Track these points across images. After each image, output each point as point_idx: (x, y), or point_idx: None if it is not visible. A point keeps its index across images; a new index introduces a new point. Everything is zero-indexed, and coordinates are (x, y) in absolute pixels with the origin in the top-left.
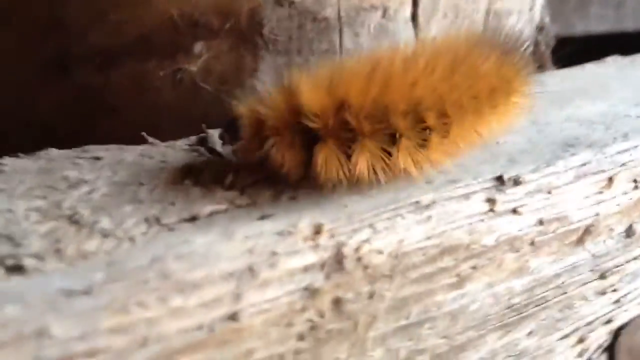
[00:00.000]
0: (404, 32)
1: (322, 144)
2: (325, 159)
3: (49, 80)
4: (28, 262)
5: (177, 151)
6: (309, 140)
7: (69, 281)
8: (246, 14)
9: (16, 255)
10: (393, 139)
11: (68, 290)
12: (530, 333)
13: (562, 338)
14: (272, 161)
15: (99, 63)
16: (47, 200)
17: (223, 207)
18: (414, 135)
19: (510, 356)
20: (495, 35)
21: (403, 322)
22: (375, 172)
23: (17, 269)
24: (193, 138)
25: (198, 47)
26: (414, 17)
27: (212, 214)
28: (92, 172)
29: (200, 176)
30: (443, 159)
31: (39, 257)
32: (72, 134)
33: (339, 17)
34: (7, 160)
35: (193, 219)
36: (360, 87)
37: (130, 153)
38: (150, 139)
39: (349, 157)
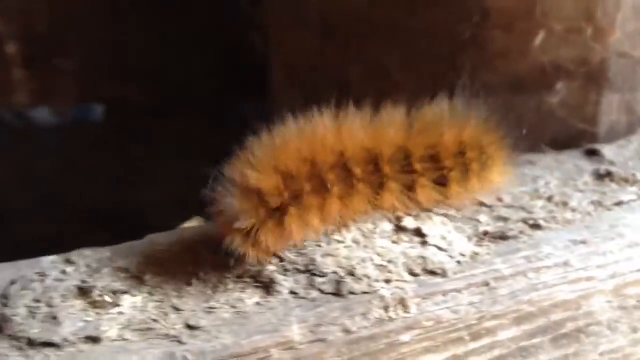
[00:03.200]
0: None
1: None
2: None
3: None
4: (541, 222)
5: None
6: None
7: (571, 235)
8: (597, 62)
9: (532, 218)
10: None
11: (573, 240)
12: None
13: None
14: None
15: (481, 95)
16: (525, 187)
17: (634, 197)
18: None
19: None
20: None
21: None
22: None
23: (537, 226)
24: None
25: (559, 85)
26: None
27: (629, 202)
28: (537, 170)
29: None
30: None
31: (546, 220)
32: None
33: None
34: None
35: (620, 203)
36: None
37: (550, 159)
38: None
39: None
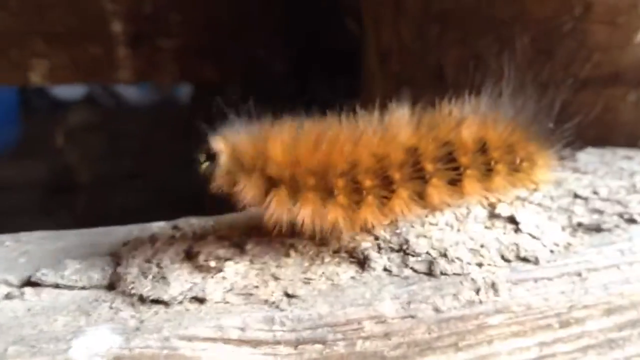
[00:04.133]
0: None
1: (276, 190)
2: (277, 202)
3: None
4: (637, 217)
5: None
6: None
7: None
8: None
9: (627, 212)
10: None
11: None
12: None
13: None
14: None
15: (574, 86)
16: (622, 181)
17: None
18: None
19: None
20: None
21: None
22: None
23: (632, 221)
24: None
25: None
26: None
27: None
28: (635, 165)
29: None
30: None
31: None
32: None
33: None
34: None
35: None
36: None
37: None
38: None
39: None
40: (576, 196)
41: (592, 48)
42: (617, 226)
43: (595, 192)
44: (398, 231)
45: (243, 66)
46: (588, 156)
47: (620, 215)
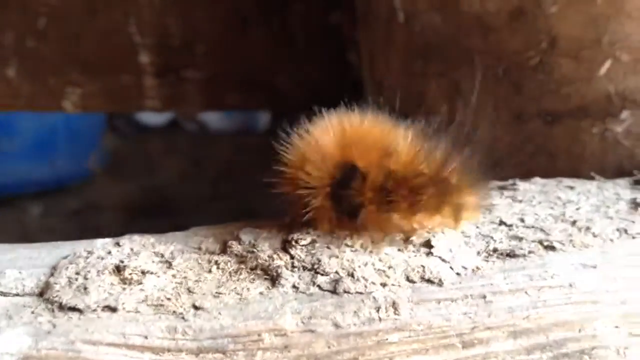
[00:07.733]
0: None
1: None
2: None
3: (510, 129)
4: (556, 244)
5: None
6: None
7: (582, 259)
8: None
9: (548, 240)
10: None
11: (583, 264)
12: None
13: None
14: None
15: (547, 120)
16: (554, 210)
17: None
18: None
19: None
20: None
21: None
22: None
23: (551, 248)
24: (630, 179)
25: (624, 114)
26: None
27: None
28: (573, 195)
29: None
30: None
31: (560, 242)
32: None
33: None
34: (519, 183)
35: None
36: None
37: (591, 185)
38: (597, 177)
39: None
40: (501, 223)
41: (559, 81)
42: (532, 252)
43: (521, 220)
44: (313, 251)
45: (265, 96)
46: (530, 185)
47: (540, 242)
